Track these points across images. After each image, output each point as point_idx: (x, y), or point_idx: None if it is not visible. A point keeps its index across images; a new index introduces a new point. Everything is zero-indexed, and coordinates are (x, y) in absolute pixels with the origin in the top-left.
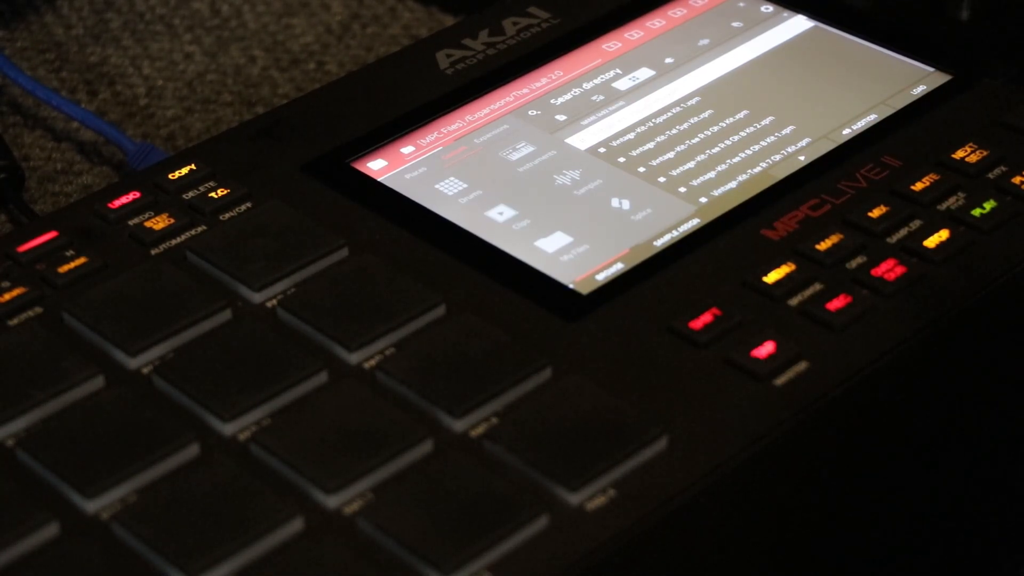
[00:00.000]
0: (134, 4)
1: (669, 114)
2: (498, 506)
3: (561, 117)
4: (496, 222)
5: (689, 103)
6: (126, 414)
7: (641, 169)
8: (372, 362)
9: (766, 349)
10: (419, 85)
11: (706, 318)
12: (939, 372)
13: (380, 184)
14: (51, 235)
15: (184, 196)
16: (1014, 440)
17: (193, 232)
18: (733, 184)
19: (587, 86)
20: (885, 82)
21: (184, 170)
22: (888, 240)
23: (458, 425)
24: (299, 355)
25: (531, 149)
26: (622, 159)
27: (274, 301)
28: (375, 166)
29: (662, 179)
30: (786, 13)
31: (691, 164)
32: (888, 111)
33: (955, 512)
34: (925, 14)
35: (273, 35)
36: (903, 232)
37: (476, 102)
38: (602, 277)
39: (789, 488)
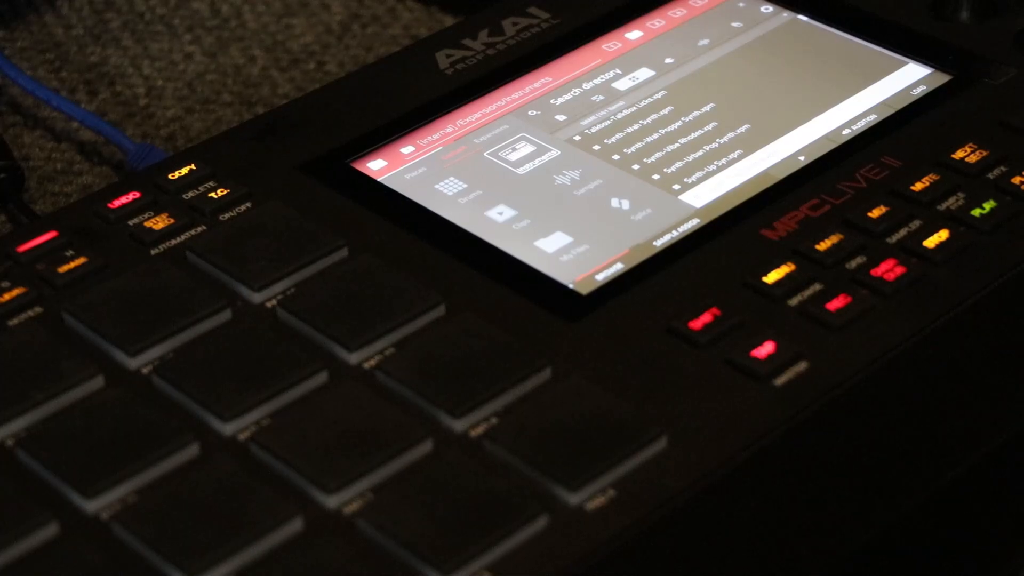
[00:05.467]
0: (134, 4)
1: (668, 114)
2: (498, 506)
3: (561, 117)
4: (496, 222)
5: (688, 103)
6: (126, 414)
7: (640, 169)
8: (372, 362)
9: (766, 349)
10: (419, 85)
11: (706, 318)
12: (939, 372)
13: (380, 184)
14: (51, 235)
15: (184, 196)
16: (1014, 440)
17: (193, 232)
18: (733, 184)
19: (587, 86)
20: (885, 82)
21: (184, 170)
22: (888, 240)
23: (458, 425)
24: (299, 355)
25: (531, 149)
26: (622, 159)
27: (274, 301)
28: (375, 166)
29: (661, 179)
30: (786, 13)
31: (691, 164)
32: (888, 111)
33: (955, 512)
34: (925, 14)
35: (273, 35)
36: (903, 232)
37: (476, 102)
38: (602, 277)
39: (788, 488)
